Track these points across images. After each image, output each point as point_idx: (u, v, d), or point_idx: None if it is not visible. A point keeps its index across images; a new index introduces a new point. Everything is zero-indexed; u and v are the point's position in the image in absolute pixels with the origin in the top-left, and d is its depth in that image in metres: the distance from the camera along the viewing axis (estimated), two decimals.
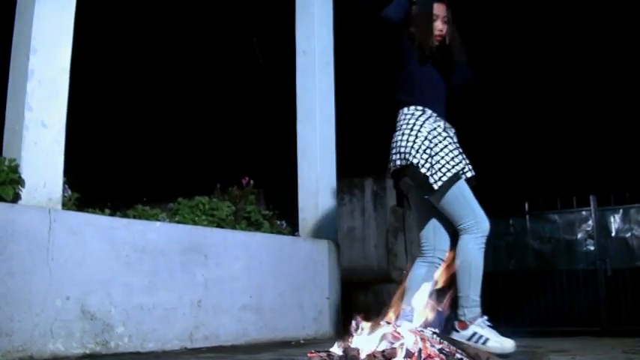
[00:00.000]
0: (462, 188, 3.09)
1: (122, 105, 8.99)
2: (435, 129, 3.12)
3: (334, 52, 5.07)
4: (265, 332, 3.73)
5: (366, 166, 7.65)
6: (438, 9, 3.33)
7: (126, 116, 9.14)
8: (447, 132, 3.16)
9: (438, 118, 3.17)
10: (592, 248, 6.99)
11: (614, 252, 7.03)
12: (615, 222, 7.16)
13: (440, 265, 3.06)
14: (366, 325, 2.13)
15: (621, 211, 7.07)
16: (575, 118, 8.13)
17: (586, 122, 7.96)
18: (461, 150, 3.19)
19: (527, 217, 7.33)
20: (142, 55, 9.01)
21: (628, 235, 7.19)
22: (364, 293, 6.74)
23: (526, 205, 7.23)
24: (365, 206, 7.55)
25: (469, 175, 3.17)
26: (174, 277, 3.27)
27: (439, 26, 3.32)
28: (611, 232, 7.04)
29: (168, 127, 9.19)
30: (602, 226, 6.99)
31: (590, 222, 7.08)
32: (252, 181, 4.43)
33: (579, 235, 7.10)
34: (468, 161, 3.21)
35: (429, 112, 3.16)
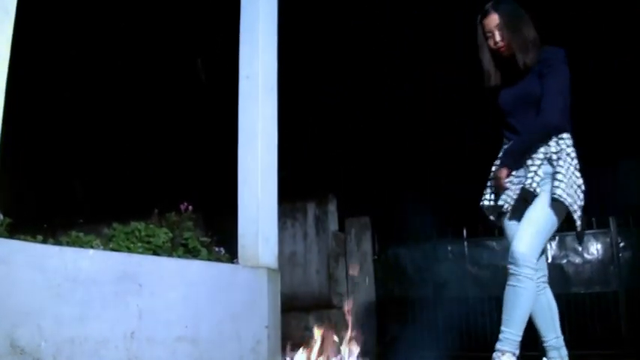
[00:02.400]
0: None
1: (58, 125, 8.77)
2: None
3: (278, 77, 5.05)
4: None
5: (308, 189, 7.65)
6: (487, 24, 3.41)
7: (63, 136, 8.91)
8: None
9: None
10: None
11: (550, 279, 7.22)
12: (551, 249, 7.35)
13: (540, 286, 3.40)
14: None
15: (557, 238, 7.25)
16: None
17: None
18: None
19: (465, 243, 7.44)
20: (82, 73, 8.83)
21: (564, 261, 7.38)
22: (305, 319, 6.69)
23: (464, 231, 7.36)
24: (307, 230, 7.53)
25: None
26: (106, 308, 3.16)
27: (497, 38, 3.38)
28: (547, 259, 7.22)
29: (107, 148, 9.00)
30: None
31: None
32: (190, 207, 4.35)
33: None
34: None
35: None
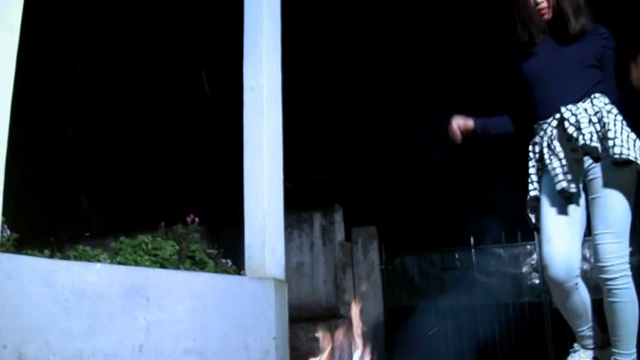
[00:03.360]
0: None
1: (65, 138, 8.81)
2: None
3: (283, 88, 5.07)
4: None
5: (314, 199, 7.65)
6: None
7: (69, 149, 8.95)
8: None
9: None
10: (537, 282, 7.11)
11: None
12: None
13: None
14: None
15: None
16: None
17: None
18: None
19: (472, 251, 7.43)
20: (88, 85, 8.88)
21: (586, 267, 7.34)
22: (313, 330, 6.67)
23: (471, 239, 7.33)
24: (314, 241, 7.53)
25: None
26: (114, 322, 3.17)
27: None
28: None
29: (113, 160, 9.03)
30: None
31: (534, 256, 7.22)
32: (197, 219, 4.36)
33: (524, 269, 7.23)
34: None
35: None
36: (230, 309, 3.93)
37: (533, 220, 3.27)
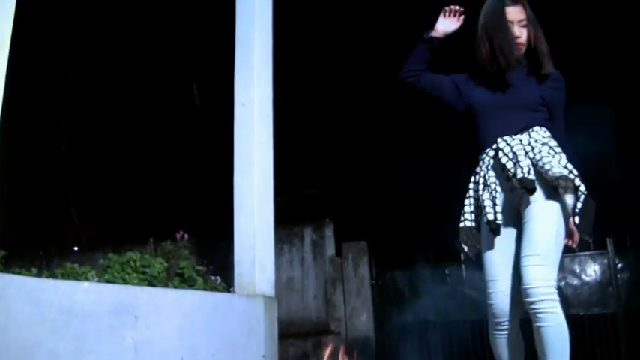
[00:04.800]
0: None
1: (54, 152, 8.78)
2: None
3: (274, 103, 5.07)
4: None
5: (304, 214, 7.64)
6: (513, 13, 3.15)
7: (60, 162, 8.92)
8: None
9: None
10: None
11: None
12: None
13: None
14: None
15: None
16: None
17: None
18: None
19: (463, 266, 7.43)
20: (78, 99, 8.85)
21: (562, 283, 7.36)
22: (303, 346, 6.65)
23: (461, 254, 7.33)
24: (304, 256, 7.51)
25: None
26: (102, 341, 3.13)
27: (516, 33, 3.13)
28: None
29: (102, 174, 9.00)
30: None
31: None
32: (186, 235, 4.33)
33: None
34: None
35: None
36: (219, 327, 3.90)
37: (466, 249, 3.29)
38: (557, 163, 2.94)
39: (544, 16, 3.24)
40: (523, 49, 3.16)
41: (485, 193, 3.09)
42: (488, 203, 3.05)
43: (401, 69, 3.47)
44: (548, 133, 3.09)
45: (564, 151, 3.04)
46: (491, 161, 3.13)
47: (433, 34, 3.40)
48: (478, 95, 3.23)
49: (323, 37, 8.76)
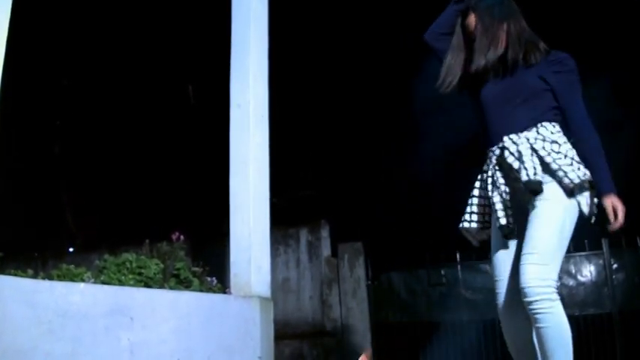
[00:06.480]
0: None
1: (49, 153, 8.76)
2: None
3: (270, 104, 5.06)
4: None
5: (300, 215, 7.64)
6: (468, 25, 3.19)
7: (54, 164, 8.90)
8: None
9: None
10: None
11: None
12: None
13: None
14: None
15: None
16: None
17: None
18: None
19: (459, 267, 7.44)
20: (73, 100, 8.84)
21: (558, 284, 7.36)
22: (299, 347, 6.65)
23: (457, 255, 7.35)
24: (300, 257, 7.51)
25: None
26: (98, 343, 3.13)
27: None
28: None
29: (98, 175, 8.98)
30: None
31: None
32: (182, 236, 4.33)
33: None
34: None
35: None
36: (215, 328, 3.90)
37: (474, 243, 3.34)
38: (570, 167, 2.90)
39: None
40: (499, 48, 3.13)
41: (496, 195, 3.05)
42: (499, 207, 3.02)
43: (427, 30, 3.40)
44: (557, 128, 3.04)
45: (586, 139, 2.98)
46: (498, 160, 3.09)
47: None
48: (484, 90, 3.20)
49: (319, 39, 8.77)
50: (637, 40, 7.91)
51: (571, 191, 2.90)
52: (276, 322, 4.56)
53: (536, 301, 2.78)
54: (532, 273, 2.79)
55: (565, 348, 2.79)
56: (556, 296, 2.81)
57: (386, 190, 8.83)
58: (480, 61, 3.11)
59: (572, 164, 2.92)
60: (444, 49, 3.30)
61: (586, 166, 2.94)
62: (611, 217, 2.93)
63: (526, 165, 2.92)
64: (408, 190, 8.33)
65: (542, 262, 2.81)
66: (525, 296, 2.80)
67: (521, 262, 2.85)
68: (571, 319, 2.92)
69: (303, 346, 6.78)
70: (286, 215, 6.94)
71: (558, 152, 2.94)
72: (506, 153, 3.02)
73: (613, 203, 2.92)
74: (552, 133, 3.01)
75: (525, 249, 2.88)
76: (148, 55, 8.20)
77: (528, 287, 2.79)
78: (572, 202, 2.92)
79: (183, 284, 4.00)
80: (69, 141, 8.75)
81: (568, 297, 7.35)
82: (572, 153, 2.98)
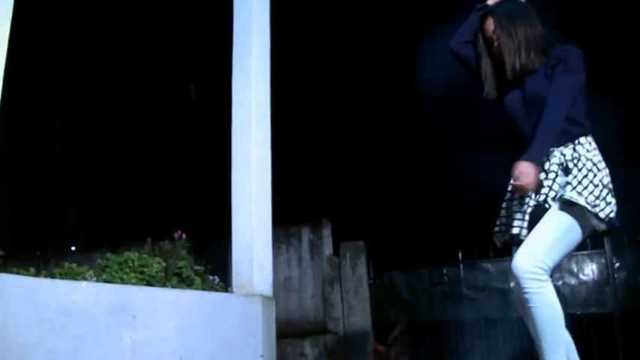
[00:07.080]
0: None
1: (51, 152, 8.76)
2: None
3: (272, 103, 5.05)
4: None
5: (302, 214, 7.63)
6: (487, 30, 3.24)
7: (56, 163, 8.90)
8: None
9: None
10: None
11: None
12: None
13: None
14: None
15: None
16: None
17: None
18: None
19: (460, 266, 7.43)
20: (75, 99, 8.84)
21: (559, 282, 7.36)
22: (301, 345, 6.65)
23: (459, 254, 7.35)
24: (302, 255, 7.51)
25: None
26: (100, 341, 3.12)
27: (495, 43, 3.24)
28: None
29: (100, 174, 8.98)
30: None
31: None
32: (184, 235, 4.32)
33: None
34: None
35: None
36: (217, 327, 3.89)
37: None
38: (602, 202, 2.97)
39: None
40: (530, 50, 3.18)
41: (518, 204, 3.18)
42: (519, 216, 3.15)
43: (452, 38, 3.47)
44: (594, 145, 3.10)
45: (546, 111, 3.00)
46: None
47: (489, 1, 3.39)
48: (508, 97, 3.26)
49: (321, 38, 8.77)
50: (637, 40, 7.91)
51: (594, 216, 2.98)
52: (278, 321, 4.56)
53: (525, 279, 2.87)
54: (521, 255, 2.91)
55: (553, 327, 2.86)
56: (546, 277, 2.89)
57: (388, 189, 8.83)
58: (515, 64, 3.15)
59: (601, 196, 2.98)
60: (469, 56, 3.39)
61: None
62: (514, 176, 2.98)
63: (544, 183, 3.03)
64: (411, 190, 8.32)
65: (533, 248, 2.92)
66: (514, 276, 2.92)
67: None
68: (573, 317, 2.96)
69: (305, 344, 6.77)
70: (288, 214, 6.93)
71: (592, 182, 2.98)
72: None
73: (523, 169, 2.94)
74: (588, 150, 3.07)
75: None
76: (149, 54, 8.20)
77: (516, 267, 2.91)
78: (586, 221, 3.01)
79: (185, 283, 4.00)
80: (70, 140, 8.76)
81: (570, 296, 7.35)
82: (607, 180, 3.05)
